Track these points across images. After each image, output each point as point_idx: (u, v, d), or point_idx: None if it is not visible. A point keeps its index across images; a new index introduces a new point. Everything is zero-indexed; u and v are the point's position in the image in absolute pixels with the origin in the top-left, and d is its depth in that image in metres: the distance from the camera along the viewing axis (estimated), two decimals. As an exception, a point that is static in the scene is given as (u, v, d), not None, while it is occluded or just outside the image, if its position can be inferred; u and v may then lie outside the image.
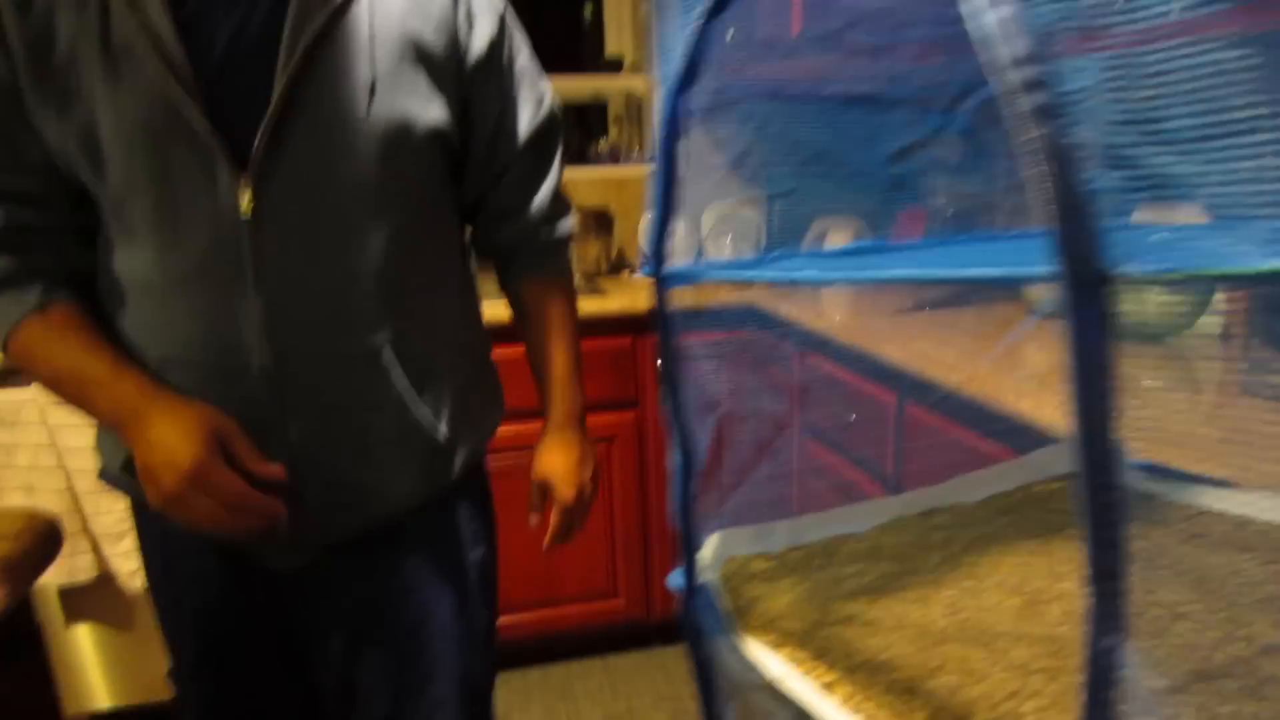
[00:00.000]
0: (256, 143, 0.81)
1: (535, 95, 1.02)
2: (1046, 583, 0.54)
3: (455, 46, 0.94)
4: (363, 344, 0.90)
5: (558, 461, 1.10)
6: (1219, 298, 1.29)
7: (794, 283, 0.43)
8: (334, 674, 1.08)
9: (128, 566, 1.90)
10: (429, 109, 0.92)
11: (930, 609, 0.51)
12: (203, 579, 1.01)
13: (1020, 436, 1.24)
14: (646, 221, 0.51)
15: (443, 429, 0.98)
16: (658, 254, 0.48)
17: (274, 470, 0.87)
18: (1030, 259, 0.47)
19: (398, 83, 0.89)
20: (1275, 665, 0.43)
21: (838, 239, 2.57)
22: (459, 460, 1.03)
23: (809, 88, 0.46)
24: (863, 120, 0.48)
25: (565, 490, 1.09)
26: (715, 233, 2.75)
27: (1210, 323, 1.35)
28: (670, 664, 2.46)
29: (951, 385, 1.35)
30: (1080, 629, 0.39)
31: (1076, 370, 0.27)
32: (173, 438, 0.85)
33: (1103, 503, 0.27)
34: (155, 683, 2.05)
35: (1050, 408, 1.28)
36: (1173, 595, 0.50)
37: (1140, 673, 0.34)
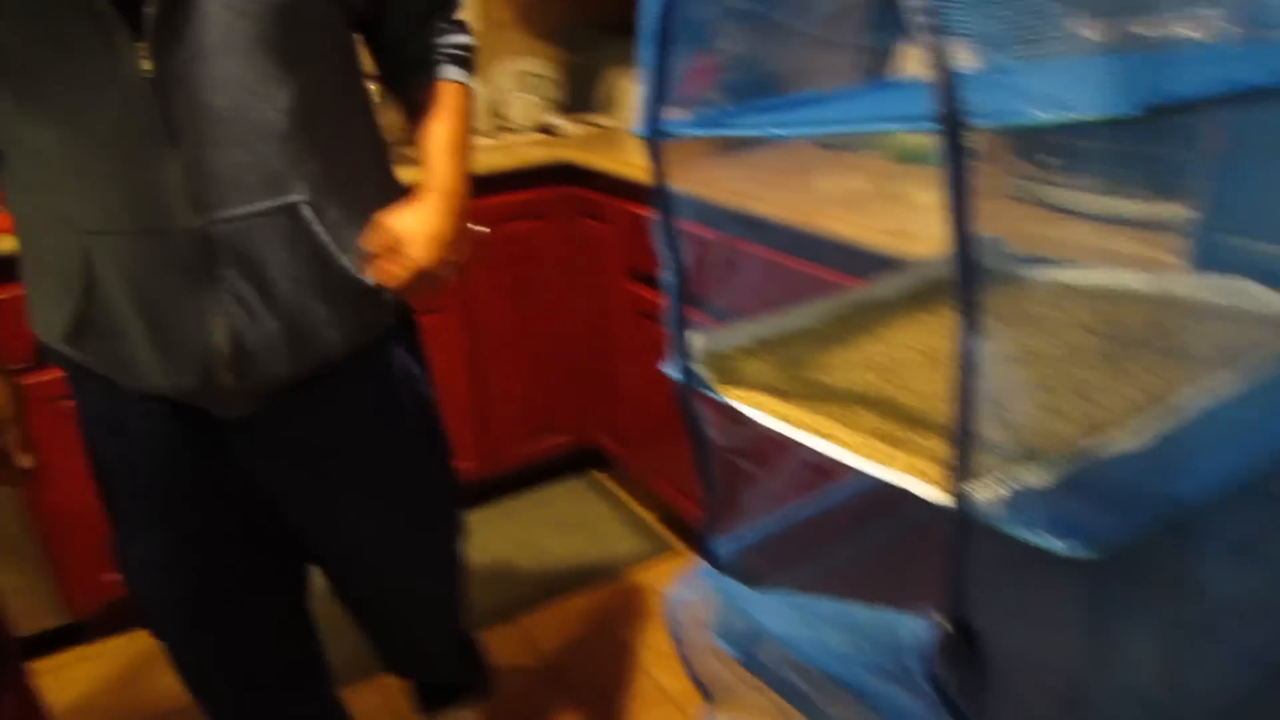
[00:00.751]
0: (148, 9, 0.85)
1: None
2: (941, 342, 0.74)
3: None
4: (281, 199, 0.96)
5: (413, 221, 1.05)
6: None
7: (776, 137, 0.56)
8: (296, 513, 1.17)
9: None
10: None
11: (860, 366, 0.70)
12: (155, 436, 1.07)
13: (836, 254, 1.47)
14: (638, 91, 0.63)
15: (369, 278, 1.05)
16: (653, 117, 0.61)
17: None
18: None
19: None
20: (1100, 375, 0.65)
21: (632, 90, 2.70)
22: (388, 305, 1.11)
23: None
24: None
25: (412, 250, 1.04)
26: (511, 90, 2.78)
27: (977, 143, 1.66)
28: (520, 512, 2.65)
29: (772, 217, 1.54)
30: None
31: (952, 185, 0.43)
32: None
33: (968, 261, 0.44)
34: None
35: (846, 224, 1.51)
36: (1023, 338, 0.72)
37: (991, 364, 0.53)
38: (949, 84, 0.39)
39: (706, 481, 0.72)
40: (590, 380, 2.62)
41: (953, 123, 0.40)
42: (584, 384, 2.64)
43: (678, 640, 0.71)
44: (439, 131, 1.11)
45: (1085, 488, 0.48)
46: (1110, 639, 0.53)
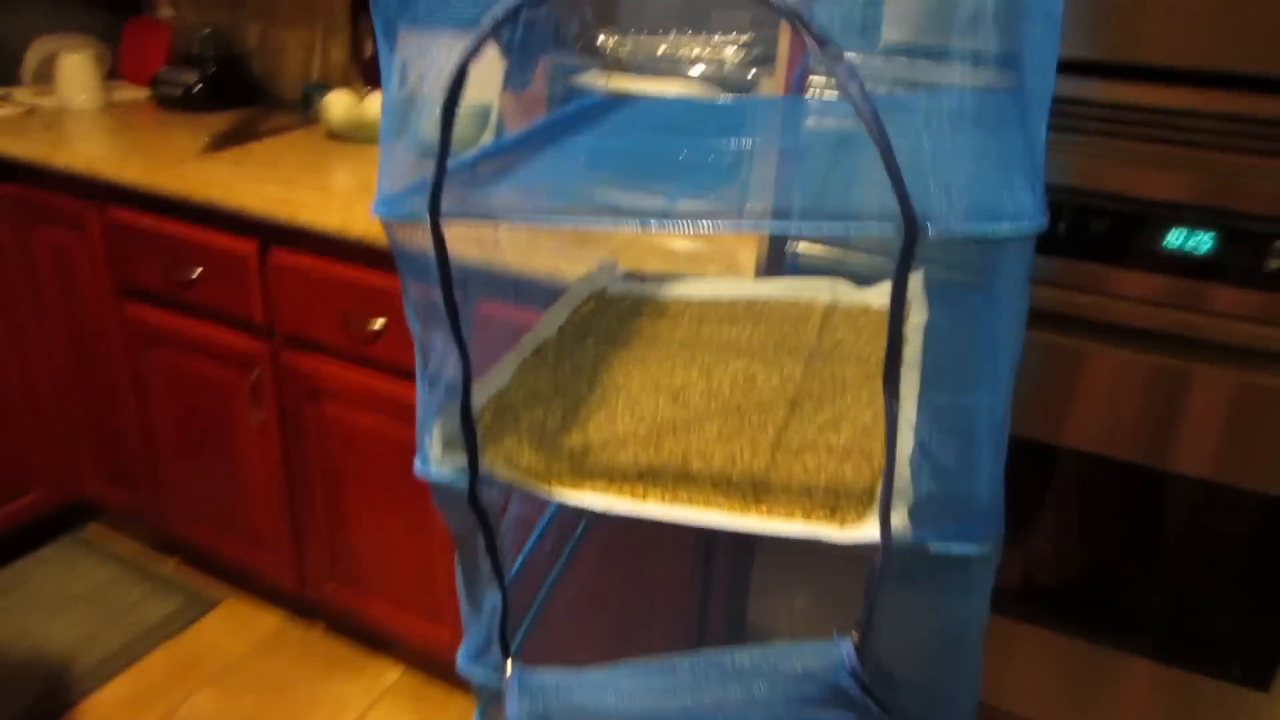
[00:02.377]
0: None
1: None
2: (670, 378, 0.74)
3: None
4: None
5: None
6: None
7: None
8: None
9: None
10: None
11: (620, 420, 0.68)
12: None
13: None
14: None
15: None
16: (435, 195, 0.51)
17: None
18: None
19: None
20: (835, 402, 0.71)
21: (73, 62, 2.20)
22: None
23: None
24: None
25: None
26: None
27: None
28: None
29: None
30: (718, 399, 0.62)
31: (896, 280, 0.44)
32: None
33: (895, 348, 0.47)
34: None
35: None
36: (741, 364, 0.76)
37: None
38: (906, 198, 0.41)
39: (499, 575, 0.64)
40: (73, 422, 2.15)
41: (911, 231, 0.41)
42: (63, 428, 2.16)
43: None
44: None
45: (939, 505, 0.54)
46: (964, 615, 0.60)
